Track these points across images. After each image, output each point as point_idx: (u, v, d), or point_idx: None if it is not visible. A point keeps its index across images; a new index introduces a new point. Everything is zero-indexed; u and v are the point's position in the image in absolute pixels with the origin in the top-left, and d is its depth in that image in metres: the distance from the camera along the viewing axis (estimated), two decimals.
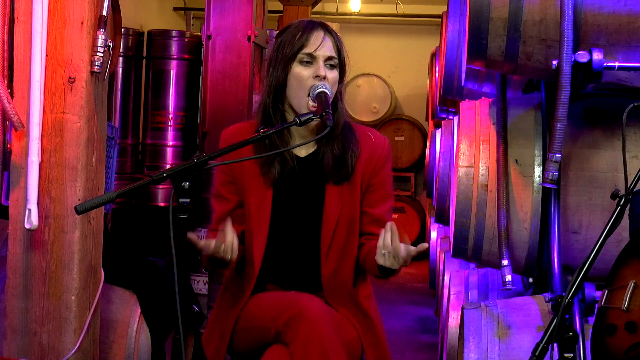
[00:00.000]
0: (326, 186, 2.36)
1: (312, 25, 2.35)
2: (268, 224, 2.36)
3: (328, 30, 2.36)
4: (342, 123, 2.37)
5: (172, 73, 5.27)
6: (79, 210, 1.92)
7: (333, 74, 2.34)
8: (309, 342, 2.13)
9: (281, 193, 2.37)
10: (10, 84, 2.68)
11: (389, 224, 2.16)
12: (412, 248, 2.15)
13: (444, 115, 5.82)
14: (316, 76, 2.30)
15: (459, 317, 3.16)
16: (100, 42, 2.64)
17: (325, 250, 2.36)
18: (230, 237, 2.16)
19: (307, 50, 2.32)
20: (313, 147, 2.39)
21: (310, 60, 2.32)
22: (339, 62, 2.36)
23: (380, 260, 2.17)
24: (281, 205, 2.37)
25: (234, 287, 2.42)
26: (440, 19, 5.88)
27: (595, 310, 2.36)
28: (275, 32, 5.20)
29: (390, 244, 2.14)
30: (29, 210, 2.61)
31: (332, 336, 2.16)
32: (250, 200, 2.38)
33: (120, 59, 5.12)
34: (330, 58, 2.33)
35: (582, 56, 2.64)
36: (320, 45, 2.32)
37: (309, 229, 2.37)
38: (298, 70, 2.32)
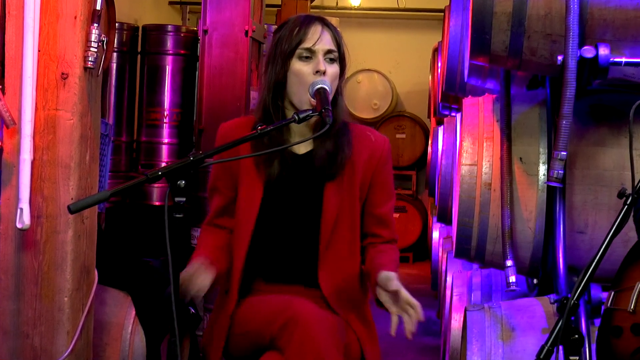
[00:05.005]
0: (325, 184, 2.33)
1: (309, 20, 2.33)
2: (254, 220, 2.33)
3: (326, 24, 2.34)
4: (341, 119, 2.34)
5: (168, 69, 5.25)
6: (72, 210, 1.90)
7: (333, 69, 2.31)
8: (303, 348, 2.10)
9: (274, 190, 2.34)
10: (1, 80, 2.66)
11: (393, 287, 2.15)
12: (413, 302, 2.15)
13: (447, 112, 5.78)
14: (316, 71, 2.28)
15: (462, 319, 3.12)
16: (93, 37, 2.62)
17: (324, 249, 2.32)
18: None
19: (305, 45, 2.29)
20: (311, 145, 2.36)
21: (310, 55, 2.30)
22: (339, 56, 2.34)
23: (382, 299, 2.20)
24: (273, 202, 2.34)
25: (225, 288, 2.40)
26: (442, 14, 5.84)
27: (602, 311, 2.33)
28: (273, 27, 5.19)
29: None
30: (21, 209, 2.58)
31: (328, 340, 2.12)
32: (242, 196, 2.36)
33: (115, 54, 5.10)
34: (329, 52, 2.31)
35: (588, 51, 2.63)
36: (319, 39, 2.30)
37: (305, 227, 2.34)
38: (297, 66, 2.29)
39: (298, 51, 2.29)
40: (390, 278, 2.16)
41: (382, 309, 2.23)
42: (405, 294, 2.14)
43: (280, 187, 2.34)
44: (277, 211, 2.34)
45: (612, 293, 2.23)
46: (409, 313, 2.12)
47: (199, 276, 2.20)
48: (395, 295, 2.14)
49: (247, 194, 2.35)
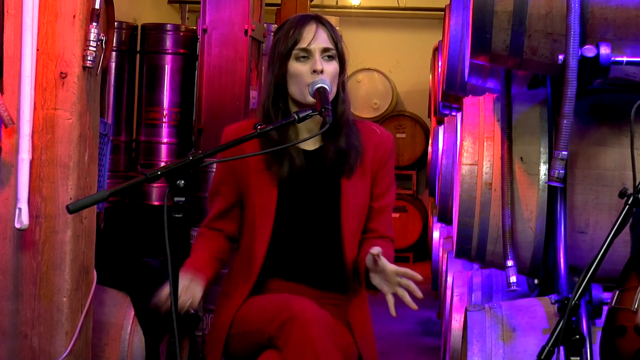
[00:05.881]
0: (341, 180, 2.33)
1: (304, 20, 2.33)
2: (272, 221, 2.32)
3: (322, 22, 2.34)
4: (346, 115, 2.34)
5: (167, 68, 5.23)
6: (70, 210, 1.88)
7: (332, 66, 2.30)
8: (301, 347, 2.09)
9: (289, 189, 2.33)
10: None
11: (375, 250, 2.15)
12: (402, 270, 2.15)
13: (447, 112, 5.77)
14: (313, 71, 2.27)
15: (462, 319, 3.11)
16: (92, 36, 2.61)
17: (348, 244, 2.32)
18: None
19: (301, 45, 2.29)
20: (320, 141, 2.36)
21: (306, 55, 2.29)
22: (337, 53, 2.33)
23: (375, 282, 2.20)
24: (290, 201, 2.33)
25: (232, 289, 2.38)
26: (442, 13, 5.82)
27: (605, 311, 2.32)
28: (273, 26, 5.17)
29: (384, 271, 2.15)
30: (19, 209, 2.57)
31: (326, 340, 2.12)
32: (255, 198, 2.34)
33: (113, 53, 5.09)
34: (326, 50, 2.30)
35: (589, 50, 2.62)
36: (314, 38, 2.29)
37: (325, 224, 2.33)
38: (295, 66, 2.29)
39: (294, 52, 2.29)
40: (373, 251, 2.15)
41: (371, 293, 2.23)
42: (391, 266, 2.14)
43: (295, 186, 2.33)
44: (294, 210, 2.33)
45: (617, 292, 2.22)
46: (402, 284, 2.12)
47: (190, 290, 2.19)
48: (382, 269, 2.14)
49: (262, 196, 2.33)
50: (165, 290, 2.11)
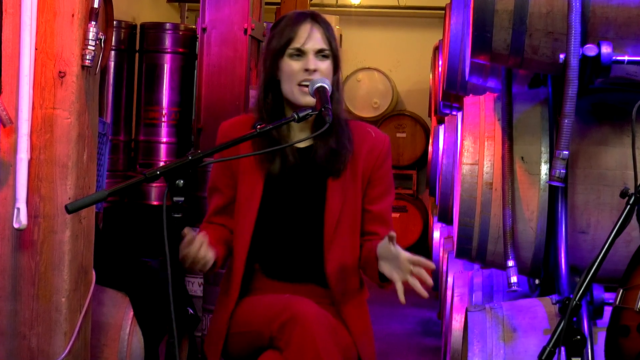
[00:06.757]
0: (328, 180, 2.33)
1: (300, 18, 2.33)
2: (255, 217, 2.32)
3: (317, 21, 2.33)
4: (338, 114, 2.33)
5: (166, 67, 5.22)
6: (69, 209, 1.89)
7: (325, 64, 2.30)
8: (303, 347, 2.10)
9: (275, 185, 2.33)
10: None
11: (391, 234, 2.13)
12: (416, 258, 2.11)
13: (447, 111, 5.76)
14: (306, 69, 2.27)
15: (463, 319, 3.10)
16: (91, 35, 2.61)
17: (328, 244, 2.31)
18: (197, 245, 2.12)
19: (295, 45, 2.30)
20: (311, 139, 2.35)
21: (299, 53, 2.30)
22: (331, 52, 2.32)
23: (384, 270, 2.15)
24: (274, 198, 2.33)
25: (224, 288, 2.39)
26: (443, 11, 5.81)
27: (610, 310, 2.31)
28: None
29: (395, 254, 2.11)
30: (18, 209, 2.57)
31: (327, 341, 2.12)
32: (241, 194, 2.35)
33: (112, 52, 5.07)
34: (320, 50, 2.30)
35: (590, 50, 2.61)
36: (308, 38, 2.29)
37: (308, 222, 2.33)
38: (288, 63, 2.30)
39: (288, 50, 2.29)
40: (387, 240, 2.12)
41: (385, 286, 2.20)
42: (405, 253, 2.10)
43: (281, 183, 2.33)
44: (278, 207, 2.34)
45: (620, 291, 2.21)
46: (414, 273, 2.08)
47: (205, 248, 2.15)
48: (395, 255, 2.11)
49: (247, 191, 2.34)
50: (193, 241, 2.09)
